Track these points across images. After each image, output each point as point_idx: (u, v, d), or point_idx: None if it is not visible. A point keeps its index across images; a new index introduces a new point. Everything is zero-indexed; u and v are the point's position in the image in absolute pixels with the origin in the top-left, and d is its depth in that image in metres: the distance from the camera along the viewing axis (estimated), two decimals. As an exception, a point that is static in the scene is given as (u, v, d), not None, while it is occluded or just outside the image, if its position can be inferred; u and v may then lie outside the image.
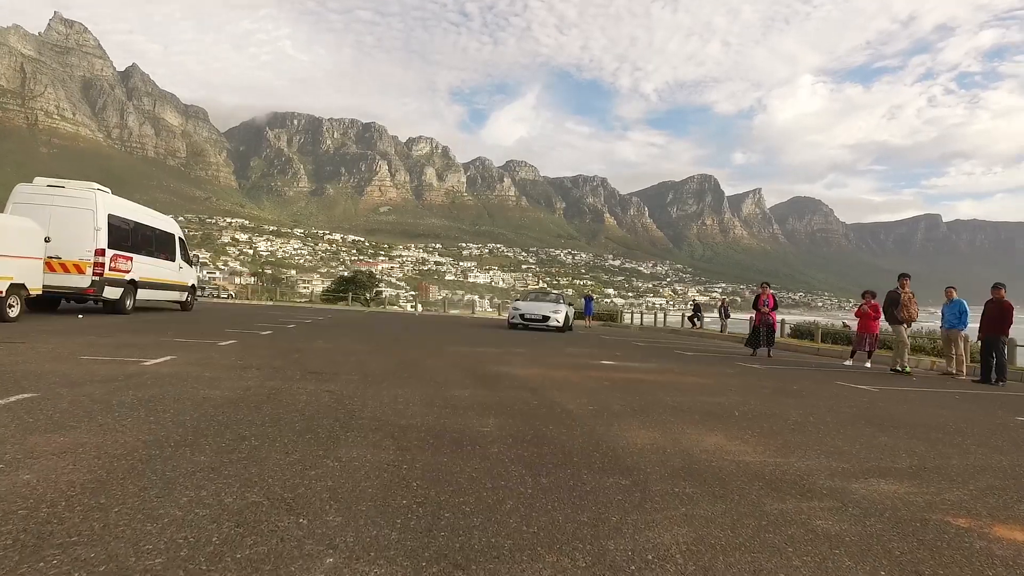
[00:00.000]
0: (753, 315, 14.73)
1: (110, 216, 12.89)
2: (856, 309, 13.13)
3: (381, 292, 40.83)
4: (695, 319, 28.74)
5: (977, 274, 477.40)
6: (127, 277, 13.60)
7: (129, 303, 13.85)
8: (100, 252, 12.42)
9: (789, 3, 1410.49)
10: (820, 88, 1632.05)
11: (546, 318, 17.23)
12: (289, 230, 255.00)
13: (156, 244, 15.44)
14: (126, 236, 13.73)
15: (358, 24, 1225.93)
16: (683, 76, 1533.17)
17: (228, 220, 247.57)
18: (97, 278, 12.41)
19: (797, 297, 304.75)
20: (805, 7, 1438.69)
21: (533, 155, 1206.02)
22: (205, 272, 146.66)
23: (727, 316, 25.98)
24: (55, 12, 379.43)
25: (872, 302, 12.65)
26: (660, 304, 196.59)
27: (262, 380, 5.27)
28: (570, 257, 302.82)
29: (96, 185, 12.99)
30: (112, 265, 12.86)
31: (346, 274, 42.81)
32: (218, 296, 44.37)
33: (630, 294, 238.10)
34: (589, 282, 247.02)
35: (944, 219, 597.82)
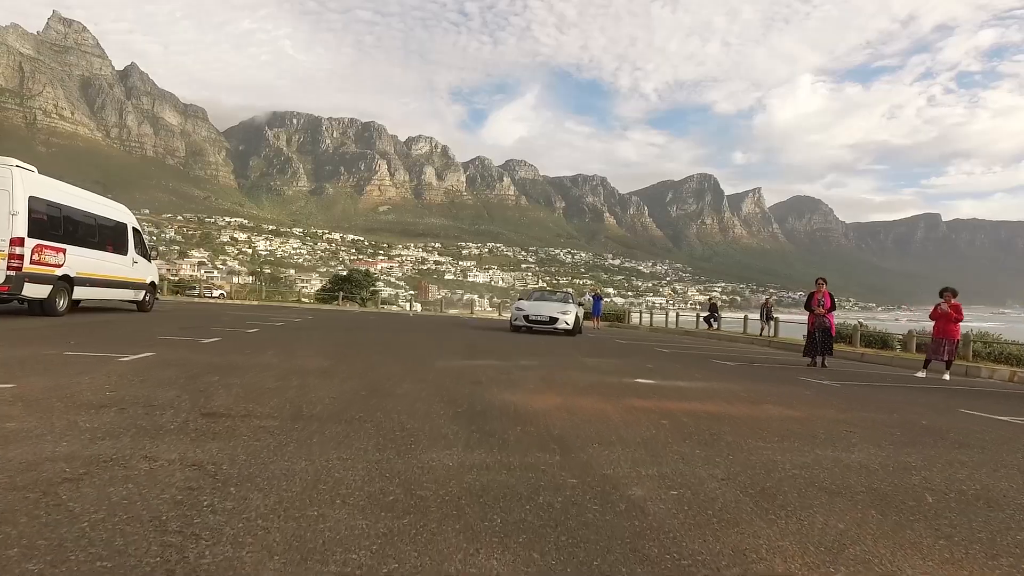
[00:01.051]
0: (807, 317, 12.23)
1: (32, 199, 10.65)
2: (932, 309, 10.92)
3: (378, 291, 38.74)
4: (711, 320, 26.25)
5: (977, 273, 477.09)
6: (58, 272, 11.36)
7: (61, 303, 11.58)
8: (17, 241, 10.20)
9: (789, 3, 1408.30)
10: (820, 88, 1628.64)
11: (554, 320, 15.30)
12: (288, 229, 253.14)
13: (100, 234, 13.15)
14: (56, 224, 11.50)
15: (358, 24, 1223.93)
16: (683, 76, 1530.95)
17: (227, 219, 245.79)
18: (13, 273, 10.20)
19: (797, 296, 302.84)
20: (805, 7, 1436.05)
21: (533, 155, 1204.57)
22: (203, 271, 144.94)
23: (771, 318, 22.27)
24: (53, 11, 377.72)
25: (953, 301, 10.46)
26: (660, 303, 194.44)
27: (92, 439, 2.99)
28: (570, 256, 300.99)
29: (15, 161, 10.76)
30: (35, 257, 10.63)
31: (342, 272, 40.69)
32: (201, 295, 41.80)
33: (630, 293, 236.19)
34: (588, 281, 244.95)
35: (944, 218, 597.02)
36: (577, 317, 16.25)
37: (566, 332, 15.61)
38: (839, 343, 19.62)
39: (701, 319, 27.73)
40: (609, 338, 17.77)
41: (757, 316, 24.41)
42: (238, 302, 32.99)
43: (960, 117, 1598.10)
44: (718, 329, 25.62)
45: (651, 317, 32.76)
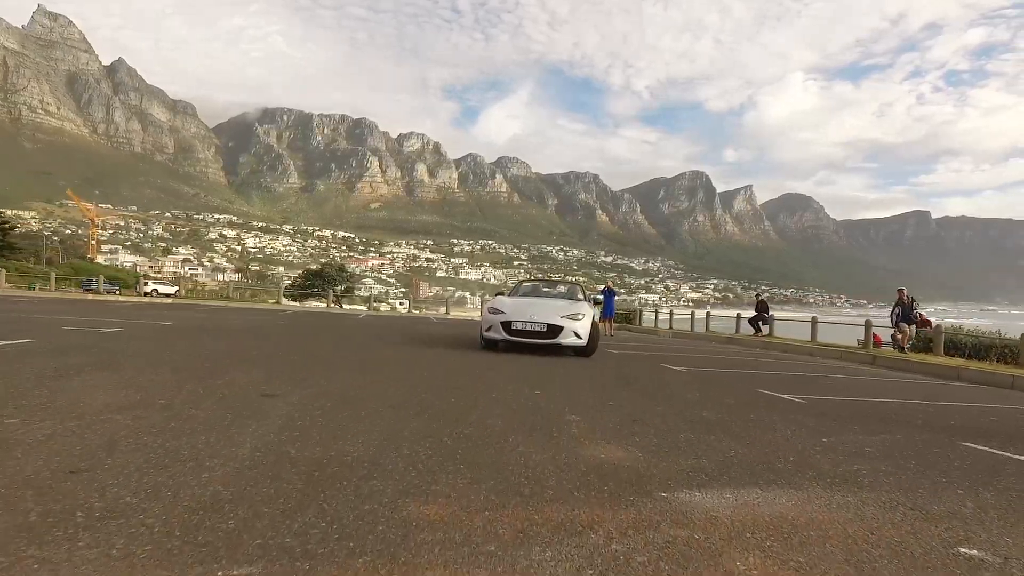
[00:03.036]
0: None
1: None
2: None
3: (352, 287, 35.65)
4: (760, 322, 19.91)
5: (967, 271, 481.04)
6: None
7: None
8: None
9: (781, 0, 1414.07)
10: (811, 85, 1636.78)
11: (555, 330, 9.04)
12: (278, 226, 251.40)
13: None
14: None
15: (350, 20, 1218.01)
16: (675, 73, 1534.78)
17: (216, 216, 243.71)
18: None
19: (788, 293, 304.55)
20: (796, 5, 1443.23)
21: (525, 152, 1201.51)
22: (187, 268, 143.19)
23: (912, 321, 14.88)
24: (39, 5, 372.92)
25: None
26: (653, 300, 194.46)
27: None
28: (562, 254, 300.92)
29: None
30: None
31: (313, 267, 37.00)
32: (155, 292, 36.47)
33: (622, 291, 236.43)
34: (581, 278, 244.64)
35: (933, 216, 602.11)
36: (594, 324, 9.63)
37: (576, 351, 9.37)
38: (998, 362, 12.66)
39: (745, 320, 21.43)
40: (646, 355, 11.03)
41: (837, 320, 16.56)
42: (190, 301, 28.75)
43: (949, 115, 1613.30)
44: (770, 334, 19.40)
45: (671, 318, 25.40)
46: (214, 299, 30.09)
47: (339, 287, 32.00)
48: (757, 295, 21.84)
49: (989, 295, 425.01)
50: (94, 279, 36.79)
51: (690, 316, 23.43)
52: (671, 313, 26.28)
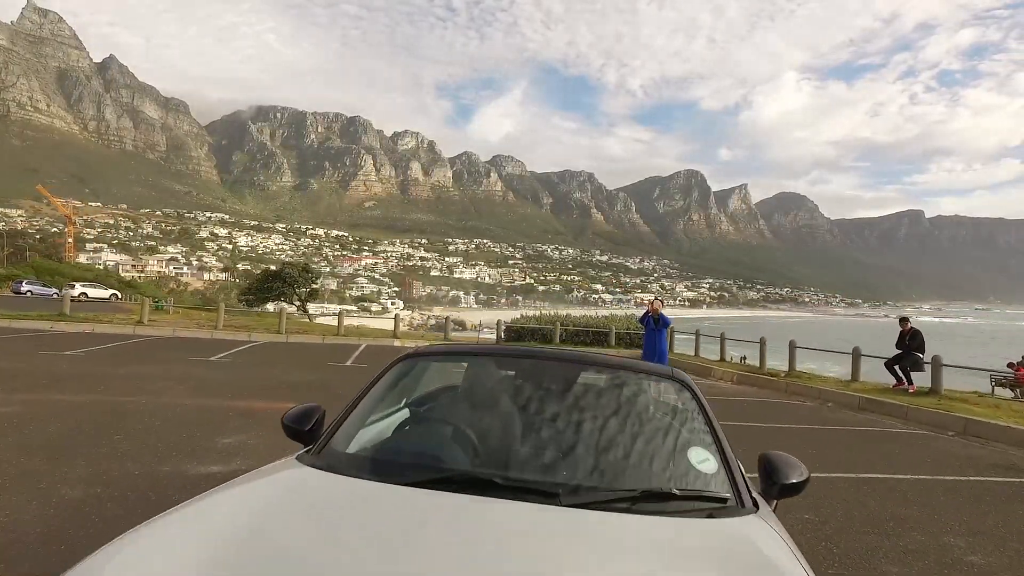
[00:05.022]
0: None
1: None
2: None
3: (318, 291, 30.57)
4: (908, 367, 10.54)
5: (960, 270, 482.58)
6: None
7: None
8: None
9: (774, 0, 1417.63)
10: (804, 85, 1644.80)
11: None
12: (271, 225, 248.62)
13: None
14: None
15: (344, 18, 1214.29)
16: (669, 72, 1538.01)
17: (208, 215, 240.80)
18: None
19: (784, 292, 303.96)
20: (790, 4, 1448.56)
21: (520, 150, 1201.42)
22: (172, 267, 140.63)
23: None
24: (28, 0, 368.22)
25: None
26: (643, 297, 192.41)
27: None
28: (557, 252, 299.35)
29: None
30: None
31: (273, 268, 31.19)
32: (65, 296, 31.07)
33: (618, 290, 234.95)
34: (576, 277, 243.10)
35: (926, 215, 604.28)
36: None
37: None
38: None
39: (885, 366, 11.44)
40: None
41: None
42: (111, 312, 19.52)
43: (941, 115, 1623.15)
44: (935, 391, 9.81)
45: (722, 345, 15.45)
46: (136, 311, 20.62)
47: (303, 290, 28.33)
48: (903, 319, 11.26)
49: (982, 294, 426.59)
50: (25, 281, 34.76)
51: (759, 346, 13.63)
52: (722, 337, 15.48)
